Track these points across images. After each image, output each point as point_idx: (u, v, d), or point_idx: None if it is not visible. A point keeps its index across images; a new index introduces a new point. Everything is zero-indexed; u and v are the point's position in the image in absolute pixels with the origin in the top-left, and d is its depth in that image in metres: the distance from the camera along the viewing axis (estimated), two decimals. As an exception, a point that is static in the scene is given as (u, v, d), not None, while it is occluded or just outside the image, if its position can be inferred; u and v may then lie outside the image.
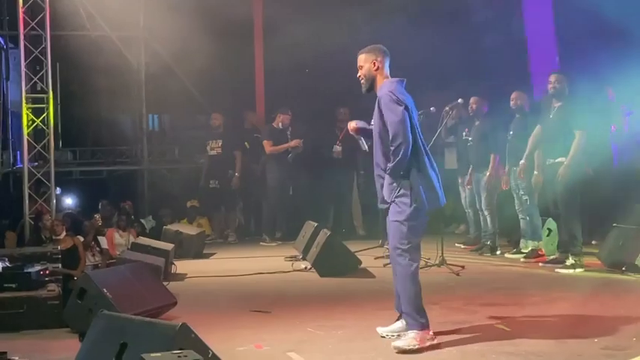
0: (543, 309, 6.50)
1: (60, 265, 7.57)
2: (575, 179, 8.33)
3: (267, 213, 12.29)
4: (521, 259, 9.25)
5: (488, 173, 9.75)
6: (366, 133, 5.76)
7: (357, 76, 5.54)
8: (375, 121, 5.47)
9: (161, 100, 14.28)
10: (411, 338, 5.24)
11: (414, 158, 5.32)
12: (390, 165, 5.31)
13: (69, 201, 13.29)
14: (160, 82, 13.63)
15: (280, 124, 12.00)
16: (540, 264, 8.84)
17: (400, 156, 5.23)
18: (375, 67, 5.47)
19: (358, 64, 5.54)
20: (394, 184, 5.34)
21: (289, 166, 12.04)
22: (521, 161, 9.09)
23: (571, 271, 8.25)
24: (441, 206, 5.56)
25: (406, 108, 5.28)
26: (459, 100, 9.47)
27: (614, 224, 8.53)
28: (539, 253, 9.25)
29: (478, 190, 10.04)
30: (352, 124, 5.83)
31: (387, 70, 5.51)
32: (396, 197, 5.33)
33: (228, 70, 12.64)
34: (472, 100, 9.92)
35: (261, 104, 13.60)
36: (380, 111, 5.35)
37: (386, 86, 5.39)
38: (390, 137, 5.27)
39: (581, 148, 8.31)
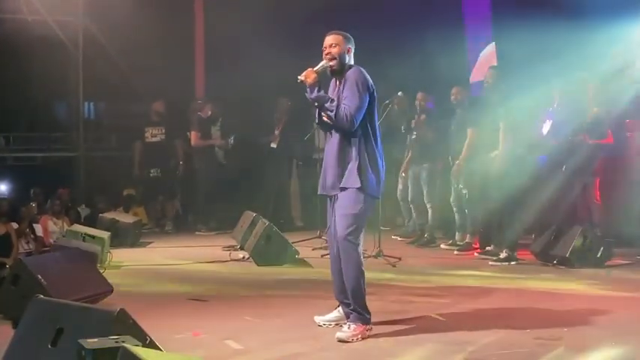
0: (477, 300, 6.62)
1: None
2: (509, 173, 8.50)
3: (200, 203, 12.23)
4: (455, 251, 9.39)
5: (434, 167, 9.87)
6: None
7: (326, 52, 5.49)
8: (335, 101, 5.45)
9: (98, 86, 14.03)
10: (353, 332, 5.28)
11: (367, 144, 5.38)
12: (334, 115, 5.32)
13: (2, 187, 13.01)
14: (97, 69, 13.40)
15: (210, 112, 11.98)
16: (475, 254, 9.00)
17: (346, 119, 5.28)
18: (350, 53, 5.53)
19: (331, 42, 5.49)
20: (345, 171, 5.34)
21: (215, 157, 12.02)
22: (457, 162, 9.23)
23: (505, 263, 8.41)
24: (378, 198, 5.60)
25: (374, 92, 5.43)
26: (399, 93, 9.56)
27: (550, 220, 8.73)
28: (474, 245, 9.39)
29: (415, 182, 10.13)
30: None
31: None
32: (346, 185, 5.35)
33: (168, 57, 12.49)
34: (419, 95, 9.99)
35: (201, 92, 13.49)
36: (345, 89, 5.38)
37: (357, 70, 5.46)
38: (349, 104, 5.29)
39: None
